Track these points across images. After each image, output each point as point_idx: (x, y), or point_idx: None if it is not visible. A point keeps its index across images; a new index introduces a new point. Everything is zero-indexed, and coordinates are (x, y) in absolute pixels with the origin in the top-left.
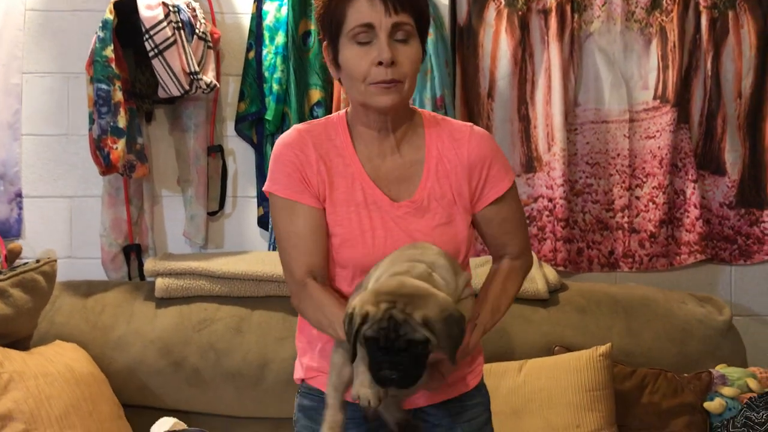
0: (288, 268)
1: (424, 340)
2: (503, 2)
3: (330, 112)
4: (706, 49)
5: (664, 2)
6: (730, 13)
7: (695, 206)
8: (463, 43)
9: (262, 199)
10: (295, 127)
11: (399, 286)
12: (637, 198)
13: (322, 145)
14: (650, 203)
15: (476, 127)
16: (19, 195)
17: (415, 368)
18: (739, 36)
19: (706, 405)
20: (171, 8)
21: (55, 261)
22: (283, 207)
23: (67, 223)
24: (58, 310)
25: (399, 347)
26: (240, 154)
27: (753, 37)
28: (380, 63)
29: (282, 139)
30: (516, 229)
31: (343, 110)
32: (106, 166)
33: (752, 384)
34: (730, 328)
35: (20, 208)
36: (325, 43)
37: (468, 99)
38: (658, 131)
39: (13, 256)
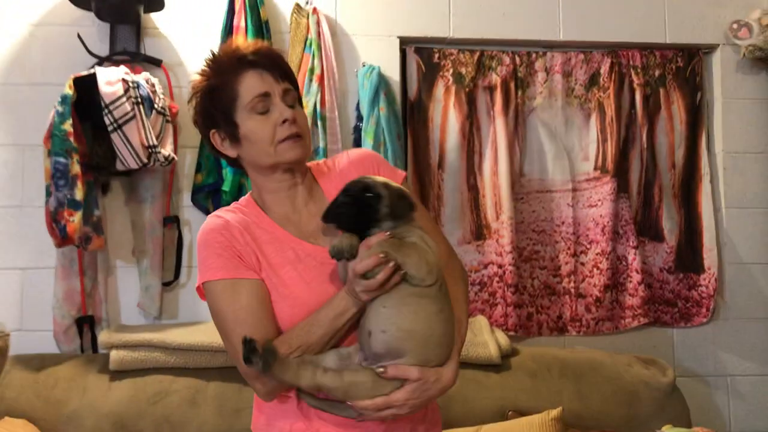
0: (239, 350)
1: (377, 193)
2: (451, 79)
3: None
4: (641, 123)
5: (601, 80)
6: (662, 91)
7: (637, 271)
8: (414, 117)
9: None
10: (209, 216)
11: None
12: (582, 264)
13: (241, 220)
14: (595, 269)
15: (351, 150)
16: None
17: (360, 208)
18: (670, 111)
19: None
20: (130, 84)
21: (8, 335)
22: (223, 290)
23: (18, 295)
24: (8, 385)
25: (357, 187)
26: (196, 224)
27: (682, 112)
28: (284, 121)
29: (202, 228)
30: (433, 229)
31: (247, 195)
32: (62, 238)
33: None
34: (674, 389)
35: None
36: (213, 131)
37: (419, 170)
38: (599, 200)
39: None
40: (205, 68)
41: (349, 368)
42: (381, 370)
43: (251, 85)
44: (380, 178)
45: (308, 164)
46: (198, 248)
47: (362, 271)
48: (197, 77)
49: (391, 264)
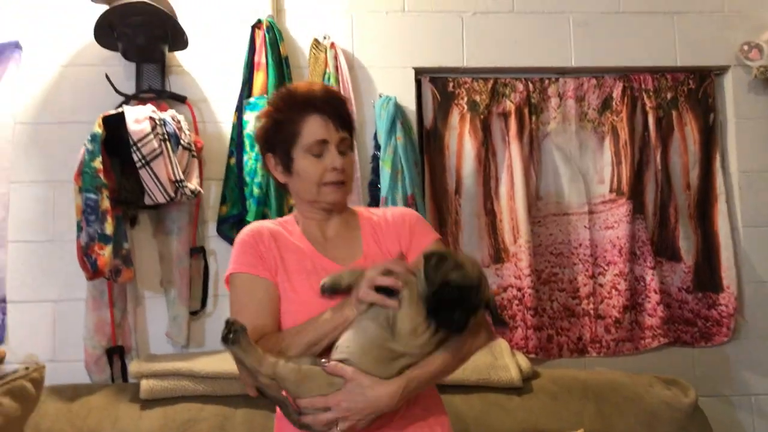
0: None
1: (482, 309)
2: (466, 107)
3: None
4: (654, 145)
5: (613, 104)
6: (674, 113)
7: (655, 291)
8: (431, 144)
9: None
10: (252, 222)
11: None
12: (601, 285)
13: (274, 229)
14: (613, 290)
15: (394, 207)
16: (3, 301)
17: (469, 323)
18: (683, 132)
19: None
20: (157, 121)
21: (44, 367)
22: (241, 283)
23: (50, 327)
24: (44, 415)
25: (474, 303)
26: (221, 254)
27: (696, 133)
28: (334, 168)
29: (241, 231)
30: None
31: (291, 213)
32: (93, 271)
33: None
34: (696, 410)
35: (4, 314)
36: (269, 155)
37: (437, 196)
38: (616, 222)
39: None
40: (278, 99)
41: (307, 364)
42: (324, 361)
43: (314, 129)
44: (487, 291)
45: (354, 208)
46: (233, 246)
47: (386, 269)
48: (268, 105)
49: (401, 284)
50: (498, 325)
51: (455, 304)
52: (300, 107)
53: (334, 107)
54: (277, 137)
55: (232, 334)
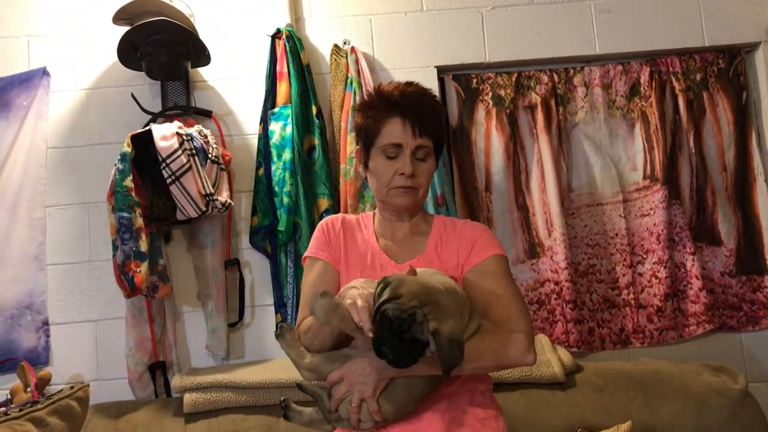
0: (298, 317)
1: (425, 343)
2: (491, 102)
3: None
4: (686, 128)
5: (641, 89)
6: (705, 94)
7: (697, 277)
8: (457, 142)
9: (279, 306)
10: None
11: (435, 292)
12: (640, 274)
13: (350, 222)
14: (653, 278)
15: (468, 220)
16: (45, 323)
17: (407, 359)
18: (715, 113)
19: None
20: (185, 137)
21: (88, 386)
22: (308, 265)
23: (93, 347)
24: None
25: (404, 338)
26: (255, 265)
27: (729, 113)
28: (402, 174)
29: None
30: (496, 297)
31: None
32: (130, 289)
33: None
34: (747, 396)
35: (47, 336)
36: (358, 147)
37: (467, 194)
38: (651, 209)
39: (43, 383)
40: (372, 96)
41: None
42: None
43: (391, 132)
44: (433, 322)
45: (436, 215)
46: None
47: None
48: (365, 99)
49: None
50: (445, 369)
51: (387, 335)
52: (385, 107)
53: (416, 112)
54: (362, 133)
55: (279, 330)
